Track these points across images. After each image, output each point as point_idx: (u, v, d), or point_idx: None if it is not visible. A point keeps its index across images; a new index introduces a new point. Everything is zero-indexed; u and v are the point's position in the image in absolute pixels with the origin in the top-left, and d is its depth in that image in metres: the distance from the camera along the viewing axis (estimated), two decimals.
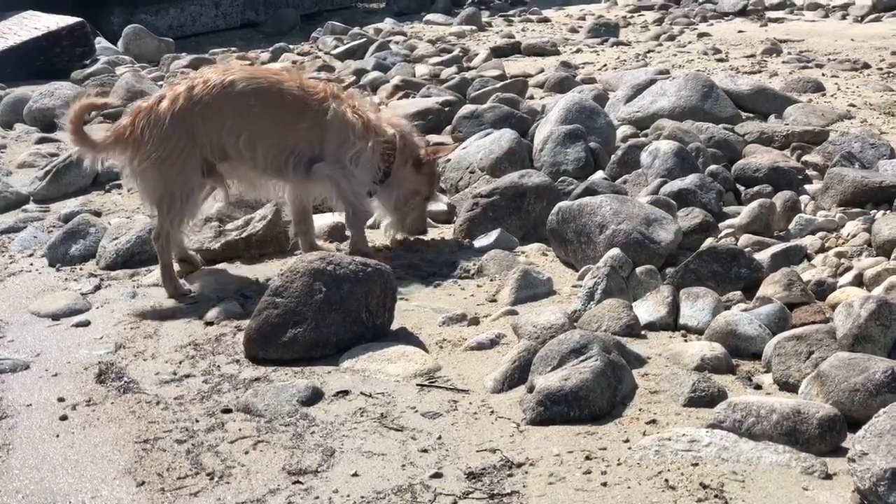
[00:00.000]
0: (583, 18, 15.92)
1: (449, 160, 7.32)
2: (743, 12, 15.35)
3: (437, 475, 3.88)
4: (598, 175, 7.01)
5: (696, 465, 3.78)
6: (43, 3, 15.02)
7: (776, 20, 14.63)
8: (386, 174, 6.27)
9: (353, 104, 6.17)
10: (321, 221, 6.68)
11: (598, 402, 4.21)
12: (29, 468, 4.16)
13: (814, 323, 4.84)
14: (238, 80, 6.00)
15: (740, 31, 13.88)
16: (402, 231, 6.50)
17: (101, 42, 14.68)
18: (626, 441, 4.01)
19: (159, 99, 5.98)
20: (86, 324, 5.69)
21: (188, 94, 5.93)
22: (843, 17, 14.63)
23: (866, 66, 10.94)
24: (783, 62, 11.36)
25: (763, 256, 5.65)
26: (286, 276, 5.09)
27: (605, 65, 11.77)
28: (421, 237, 6.55)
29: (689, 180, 6.46)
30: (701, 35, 13.66)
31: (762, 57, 11.72)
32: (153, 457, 4.17)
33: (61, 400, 4.76)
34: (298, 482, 3.91)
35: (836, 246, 5.81)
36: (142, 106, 6.01)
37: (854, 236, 5.86)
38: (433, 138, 8.08)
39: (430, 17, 16.85)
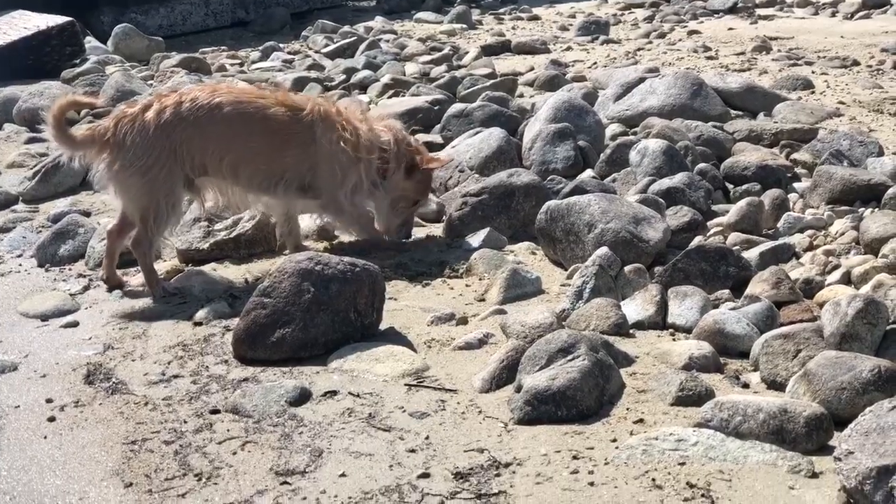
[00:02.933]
0: (573, 16, 15.91)
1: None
2: (733, 10, 15.34)
3: (425, 475, 3.88)
4: (587, 174, 7.03)
5: (684, 464, 3.79)
6: (32, 2, 14.99)
7: (766, 17, 14.64)
8: (382, 179, 6.30)
9: (341, 122, 6.17)
10: (309, 222, 6.67)
11: (585, 401, 4.22)
12: (17, 470, 4.17)
13: (802, 321, 4.85)
14: (225, 103, 6.03)
15: (730, 29, 13.89)
16: (387, 234, 6.48)
17: (90, 42, 14.65)
18: (614, 440, 4.01)
19: (145, 107, 5.99)
20: (74, 324, 5.70)
21: (175, 110, 5.94)
22: (833, 15, 14.65)
23: (856, 63, 10.96)
24: (773, 60, 11.38)
25: (751, 255, 5.67)
26: (274, 276, 5.09)
27: (594, 63, 11.77)
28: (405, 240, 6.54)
29: (678, 179, 6.47)
30: (691, 33, 13.67)
31: (752, 54, 11.73)
32: (141, 458, 4.17)
33: (49, 401, 4.76)
34: (286, 483, 3.91)
35: (825, 244, 5.82)
36: (126, 111, 6.01)
37: (842, 234, 5.87)
38: (421, 137, 8.13)
39: (420, 15, 16.82)
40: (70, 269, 6.53)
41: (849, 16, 14.37)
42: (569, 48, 12.97)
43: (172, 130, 5.92)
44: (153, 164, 5.88)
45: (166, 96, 6.08)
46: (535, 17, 16.24)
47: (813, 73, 10.50)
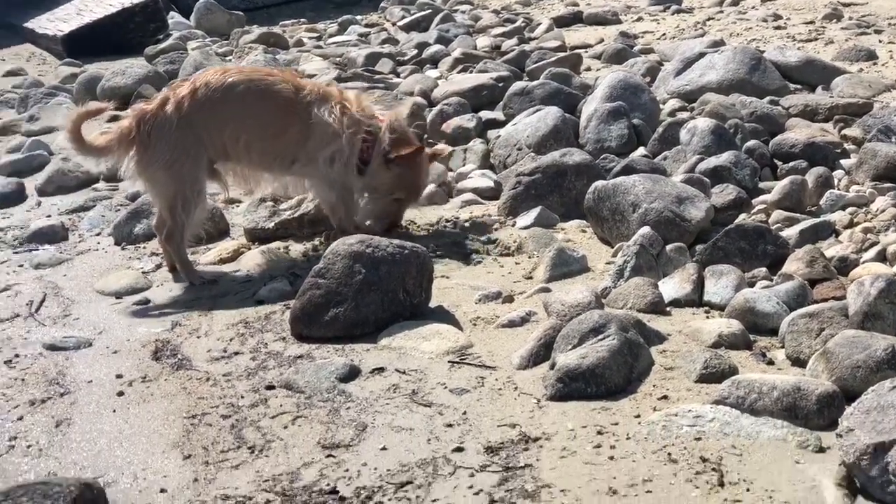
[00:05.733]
0: None
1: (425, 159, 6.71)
2: None
3: (459, 449, 4.14)
4: (639, 152, 7.22)
5: (699, 439, 4.02)
6: None
7: None
8: (364, 164, 6.42)
9: (336, 99, 6.36)
10: None
11: (613, 378, 4.46)
12: (87, 441, 4.49)
13: (834, 299, 5.03)
14: (237, 82, 6.29)
15: None
16: (361, 222, 6.57)
17: (174, 17, 15.03)
18: (637, 416, 4.25)
19: (163, 101, 6.25)
20: (145, 302, 6.03)
21: (192, 99, 6.21)
22: None
23: None
24: (842, 28, 11.37)
25: (792, 232, 5.84)
26: (328, 258, 5.38)
27: (663, 34, 11.89)
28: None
29: (725, 157, 6.65)
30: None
31: (821, 23, 11.74)
32: (200, 431, 4.48)
33: (119, 376, 5.09)
34: (331, 455, 4.19)
35: (865, 221, 5.96)
36: (146, 108, 6.28)
37: (882, 211, 6.00)
38: (485, 115, 8.36)
39: None
40: (144, 248, 6.86)
41: None
42: (640, 18, 13.08)
43: (193, 118, 6.20)
44: (179, 155, 6.16)
45: (180, 86, 6.36)
46: None
47: (880, 41, 10.51)
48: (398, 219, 6.62)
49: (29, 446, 4.48)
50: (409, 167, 6.43)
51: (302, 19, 15.33)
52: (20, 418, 4.73)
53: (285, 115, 6.34)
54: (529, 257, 6.10)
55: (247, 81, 6.33)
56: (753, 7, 13.18)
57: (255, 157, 6.41)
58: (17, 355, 5.41)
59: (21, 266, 6.75)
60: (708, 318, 5.15)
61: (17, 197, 8.19)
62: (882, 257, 5.50)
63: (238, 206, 7.33)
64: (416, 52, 11.52)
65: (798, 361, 4.62)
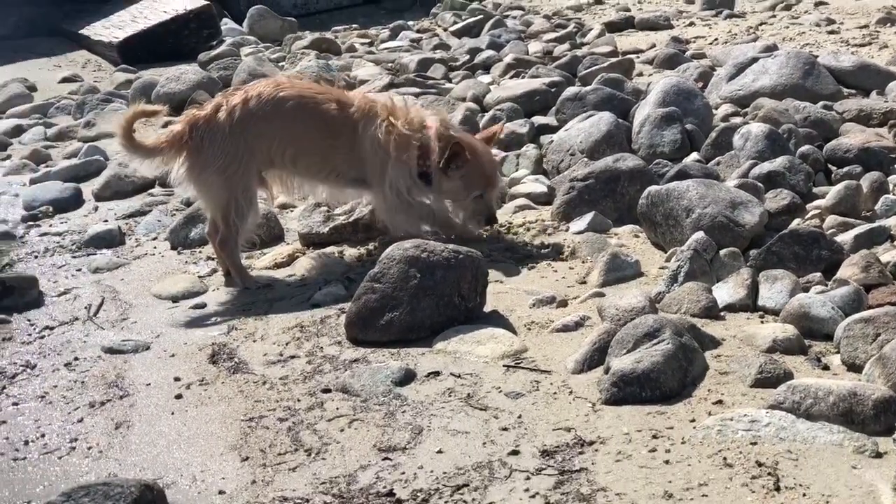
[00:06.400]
0: None
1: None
2: None
3: (515, 452, 4.16)
4: (692, 157, 7.21)
5: (755, 444, 4.02)
6: None
7: None
8: (426, 176, 6.45)
9: (381, 118, 6.37)
10: None
11: (668, 383, 4.47)
12: (146, 444, 4.56)
13: (890, 304, 5.01)
14: (287, 97, 6.35)
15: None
16: (463, 228, 6.58)
17: (227, 23, 15.17)
18: (693, 421, 4.26)
19: (216, 109, 6.31)
20: (202, 306, 6.10)
21: (244, 107, 6.27)
22: None
23: None
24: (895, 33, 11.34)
25: (847, 237, 5.82)
26: (383, 262, 5.42)
27: (715, 39, 11.87)
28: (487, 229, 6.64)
29: (779, 162, 6.64)
30: (818, 4, 13.58)
31: (875, 27, 11.68)
32: (257, 434, 4.53)
33: (177, 379, 5.16)
34: (387, 458, 4.22)
35: None
36: (198, 115, 6.32)
37: None
38: (538, 120, 8.38)
39: None
40: (200, 252, 6.94)
41: None
42: (691, 23, 13.08)
43: (245, 127, 6.27)
44: (231, 161, 6.23)
45: (233, 95, 6.42)
46: None
47: None
48: (491, 212, 6.58)
49: (89, 448, 4.56)
50: (465, 165, 6.41)
51: (354, 25, 15.42)
52: (80, 420, 4.81)
53: (331, 133, 6.40)
54: (583, 262, 6.11)
55: (297, 97, 6.39)
56: (806, 11, 13.14)
57: (300, 169, 6.49)
58: (76, 358, 5.49)
59: (79, 270, 6.84)
60: (762, 322, 5.14)
61: (75, 202, 8.31)
62: None
63: (292, 211, 7.40)
64: (468, 57, 11.57)
65: (854, 367, 4.60)
